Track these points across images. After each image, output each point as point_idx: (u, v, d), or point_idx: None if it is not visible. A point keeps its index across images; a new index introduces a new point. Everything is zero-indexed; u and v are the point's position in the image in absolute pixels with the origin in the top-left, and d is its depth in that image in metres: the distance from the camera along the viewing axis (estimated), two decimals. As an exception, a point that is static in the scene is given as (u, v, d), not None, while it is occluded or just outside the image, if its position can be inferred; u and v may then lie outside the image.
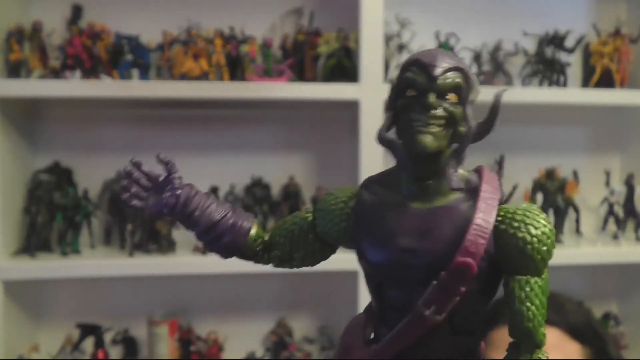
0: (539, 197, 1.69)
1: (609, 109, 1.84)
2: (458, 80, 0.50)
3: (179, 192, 0.55)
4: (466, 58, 1.69)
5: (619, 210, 1.68)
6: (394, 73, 0.49)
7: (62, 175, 1.59)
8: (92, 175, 1.63)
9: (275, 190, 1.68)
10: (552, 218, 1.69)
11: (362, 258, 0.54)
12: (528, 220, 0.49)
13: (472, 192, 0.50)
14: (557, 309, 1.08)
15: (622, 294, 1.89)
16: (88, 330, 1.58)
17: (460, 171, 0.52)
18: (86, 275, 1.48)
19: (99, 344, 1.58)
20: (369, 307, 0.55)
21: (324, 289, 1.74)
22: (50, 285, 1.65)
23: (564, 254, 1.60)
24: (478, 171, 0.53)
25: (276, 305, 1.74)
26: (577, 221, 1.74)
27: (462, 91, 0.50)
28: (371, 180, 0.55)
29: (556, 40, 1.70)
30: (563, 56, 1.70)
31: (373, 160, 1.49)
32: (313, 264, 0.59)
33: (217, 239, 0.56)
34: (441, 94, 0.49)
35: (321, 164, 1.76)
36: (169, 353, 1.58)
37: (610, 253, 1.63)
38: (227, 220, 0.55)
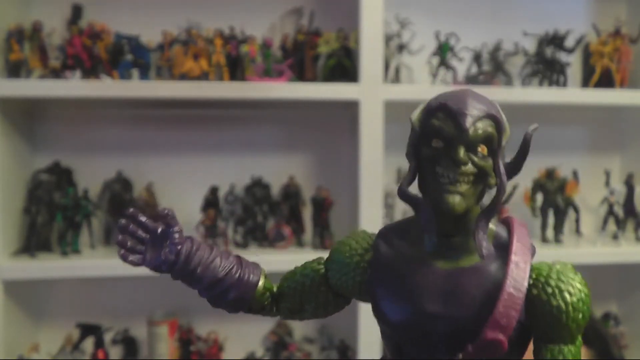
0: (539, 197, 1.69)
1: (608, 109, 1.84)
2: (490, 130, 0.45)
3: (179, 247, 0.51)
4: (466, 58, 1.69)
5: (619, 210, 1.68)
6: (414, 113, 0.46)
7: (62, 175, 1.59)
8: (92, 175, 1.63)
9: (275, 190, 1.68)
10: (552, 218, 1.69)
11: (379, 317, 0.50)
12: (563, 286, 0.45)
13: (501, 249, 0.46)
14: None
15: (622, 294, 1.89)
16: (88, 330, 1.58)
17: (489, 225, 0.47)
18: (86, 275, 1.48)
19: (99, 344, 1.58)
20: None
21: (324, 289, 1.74)
22: (50, 285, 1.65)
23: (564, 254, 1.60)
24: (506, 223, 0.48)
25: (276, 305, 1.74)
26: (577, 221, 1.74)
27: (494, 142, 0.45)
28: (389, 229, 0.51)
29: (556, 40, 1.70)
30: (563, 56, 1.70)
31: (373, 160, 1.49)
32: (325, 316, 0.56)
33: (222, 295, 0.52)
34: (471, 147, 0.44)
35: (321, 164, 1.76)
36: (169, 353, 1.58)
37: (610, 253, 1.63)
38: (232, 275, 0.52)
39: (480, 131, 0.45)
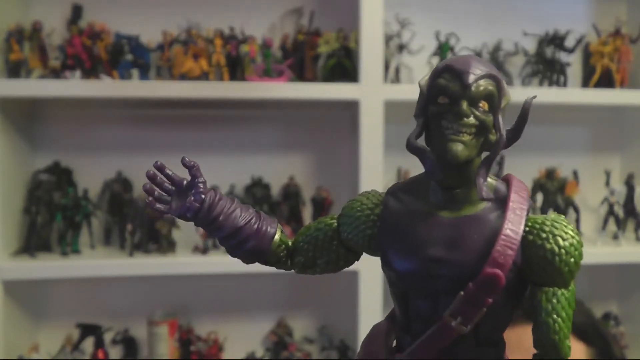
0: (539, 197, 1.69)
1: (609, 109, 1.84)
2: (490, 87, 0.49)
3: (203, 196, 0.54)
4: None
5: (619, 211, 1.68)
6: (423, 78, 0.47)
7: (62, 175, 1.59)
8: (92, 175, 1.63)
9: (275, 190, 1.68)
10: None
11: (387, 266, 0.52)
12: (556, 232, 0.48)
13: (501, 201, 0.50)
14: None
15: (622, 294, 1.89)
16: (88, 330, 1.57)
17: (489, 180, 0.51)
18: (86, 275, 1.48)
19: (99, 344, 1.58)
20: (391, 315, 0.54)
21: (324, 289, 1.74)
22: (50, 285, 1.65)
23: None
24: (506, 180, 0.52)
25: (276, 305, 1.74)
26: (577, 221, 1.74)
27: (494, 99, 0.49)
28: (398, 187, 0.54)
29: (556, 40, 1.70)
30: (563, 56, 1.70)
31: (373, 160, 1.49)
32: (336, 271, 0.58)
33: (240, 244, 0.55)
34: (473, 102, 0.48)
35: (321, 164, 1.76)
36: (169, 353, 1.58)
37: (610, 253, 1.63)
38: (251, 226, 0.54)
39: (482, 88, 0.49)
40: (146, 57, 1.53)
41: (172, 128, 1.69)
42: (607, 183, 1.72)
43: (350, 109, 1.58)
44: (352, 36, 1.57)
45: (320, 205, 1.61)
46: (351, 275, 1.49)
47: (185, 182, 0.55)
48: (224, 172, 1.68)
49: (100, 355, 1.57)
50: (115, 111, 1.67)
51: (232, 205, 0.55)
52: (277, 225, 0.56)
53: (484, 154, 0.50)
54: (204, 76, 1.50)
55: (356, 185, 1.52)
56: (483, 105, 0.49)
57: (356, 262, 0.57)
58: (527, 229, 0.49)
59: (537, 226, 0.49)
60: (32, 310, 1.63)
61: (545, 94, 1.61)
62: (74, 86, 1.43)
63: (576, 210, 1.72)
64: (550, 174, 1.68)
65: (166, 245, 1.52)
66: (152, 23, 1.61)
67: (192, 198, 0.54)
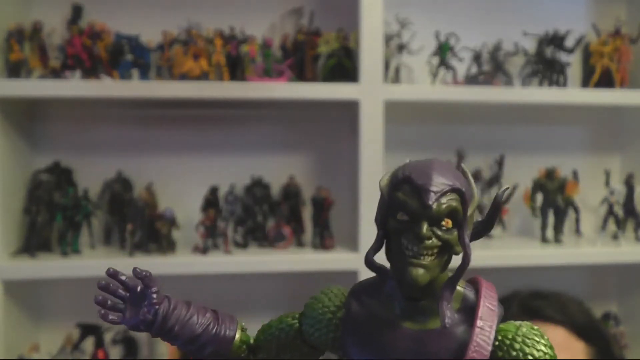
0: (539, 197, 1.69)
1: (608, 109, 1.84)
2: (454, 204, 0.46)
3: (157, 307, 0.52)
4: (466, 58, 1.69)
5: (619, 211, 1.68)
6: (383, 179, 0.49)
7: (62, 175, 1.59)
8: (92, 175, 1.63)
9: (275, 190, 1.68)
10: (552, 218, 1.69)
11: None
12: (527, 350, 0.46)
13: (469, 311, 0.47)
14: (561, 309, 1.08)
15: (622, 294, 1.89)
16: (88, 330, 1.57)
17: (457, 288, 0.49)
18: (86, 275, 1.47)
19: (99, 343, 1.58)
20: None
21: (324, 289, 1.74)
22: (50, 285, 1.65)
23: (564, 254, 1.60)
24: (474, 283, 0.50)
25: (276, 305, 1.74)
26: (577, 221, 1.74)
27: (459, 215, 0.46)
28: (361, 288, 0.52)
29: (556, 40, 1.70)
30: (563, 56, 1.70)
31: (373, 160, 1.49)
32: None
33: (199, 350, 0.54)
34: (435, 222, 0.45)
35: (321, 164, 1.76)
36: (169, 353, 1.58)
37: (610, 253, 1.63)
38: (209, 332, 0.54)
39: (444, 206, 0.45)
40: (146, 57, 1.53)
41: (172, 128, 1.69)
42: (607, 183, 1.72)
43: (350, 109, 1.58)
44: (352, 36, 1.57)
45: (320, 205, 1.61)
46: (351, 275, 1.49)
47: (139, 287, 0.53)
48: (224, 172, 1.68)
49: (101, 355, 1.57)
50: (115, 111, 1.67)
51: (188, 312, 0.54)
52: (238, 325, 0.56)
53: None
54: (204, 76, 1.50)
55: (356, 185, 1.52)
56: (446, 223, 0.46)
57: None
58: (496, 343, 0.47)
59: (507, 342, 0.47)
60: (32, 310, 1.63)
61: (545, 94, 1.62)
62: (74, 86, 1.44)
63: (576, 210, 1.72)
64: (550, 174, 1.68)
65: (166, 245, 1.52)
66: (152, 23, 1.61)
67: (145, 309, 0.52)
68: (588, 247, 1.65)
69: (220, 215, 1.58)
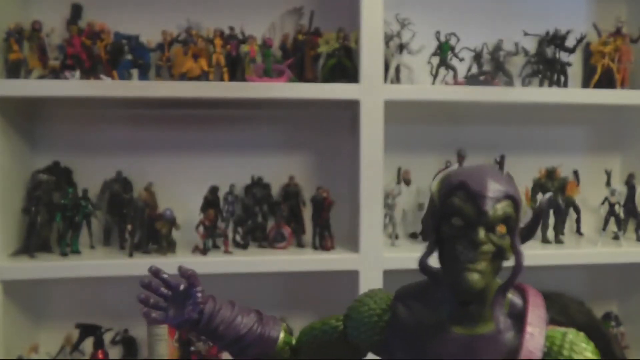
0: (540, 197, 1.68)
1: (609, 108, 1.84)
2: (508, 210, 0.47)
3: (202, 306, 0.53)
4: (466, 58, 1.69)
5: (620, 211, 1.68)
6: (434, 184, 0.51)
7: (61, 175, 1.59)
8: (92, 175, 1.63)
9: (275, 190, 1.68)
10: (552, 218, 1.68)
11: None
12: (575, 356, 0.47)
13: (517, 317, 0.48)
14: (563, 309, 1.08)
15: (623, 294, 1.88)
16: (88, 330, 1.57)
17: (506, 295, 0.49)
18: (86, 276, 1.47)
19: (99, 344, 1.57)
20: None
21: (324, 289, 1.73)
22: (50, 286, 1.65)
23: (565, 255, 1.60)
24: (521, 290, 0.50)
25: (276, 305, 1.74)
26: (578, 221, 1.74)
27: (512, 221, 0.47)
28: (406, 292, 0.53)
29: (557, 40, 1.70)
30: (563, 56, 1.70)
31: (373, 160, 1.49)
32: None
33: (243, 350, 0.55)
34: (490, 227, 0.46)
35: (321, 164, 1.75)
36: (168, 354, 1.57)
37: (610, 253, 1.63)
38: (254, 332, 0.55)
39: (499, 212, 0.46)
40: (146, 57, 1.53)
41: (172, 128, 1.69)
42: (608, 183, 1.72)
43: (351, 108, 1.58)
44: (352, 36, 1.57)
45: (320, 205, 1.60)
46: (351, 275, 1.48)
47: (182, 286, 0.54)
48: (224, 172, 1.67)
49: (100, 355, 1.57)
50: (115, 111, 1.67)
51: (233, 312, 0.55)
52: (282, 326, 0.57)
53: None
54: (204, 76, 1.50)
55: (356, 185, 1.52)
56: (501, 229, 0.47)
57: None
58: (545, 349, 0.48)
59: (555, 349, 0.47)
60: (31, 310, 1.62)
61: (546, 94, 1.61)
62: (74, 86, 1.43)
63: (577, 211, 1.71)
64: (550, 174, 1.68)
65: (166, 246, 1.51)
66: (152, 23, 1.61)
67: (191, 308, 0.53)
68: (589, 248, 1.64)
69: (220, 215, 1.57)
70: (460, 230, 0.46)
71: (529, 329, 0.46)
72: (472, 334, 0.48)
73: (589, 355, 0.47)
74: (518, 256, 0.47)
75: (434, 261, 0.52)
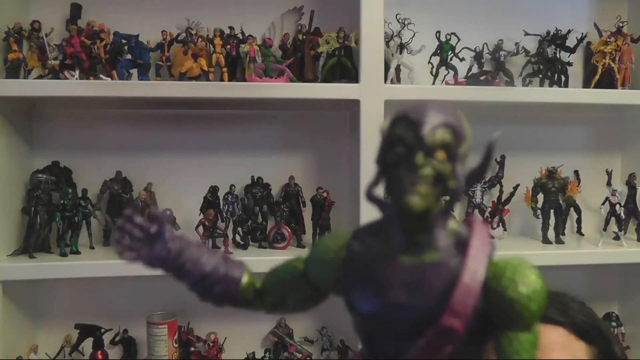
0: (540, 197, 1.68)
1: (610, 108, 1.83)
2: (447, 137, 0.49)
3: (169, 244, 0.56)
4: (467, 58, 1.69)
5: (620, 211, 1.67)
6: (384, 123, 0.53)
7: (61, 175, 1.58)
8: (92, 175, 1.62)
9: (275, 190, 1.67)
10: (553, 218, 1.68)
11: (351, 309, 0.54)
12: (517, 278, 0.48)
13: (462, 246, 0.50)
14: (563, 309, 1.07)
15: (624, 294, 1.88)
16: (87, 331, 1.57)
17: (451, 224, 0.51)
18: (85, 276, 1.47)
19: (98, 344, 1.57)
20: (360, 353, 0.55)
21: (324, 290, 1.73)
22: (49, 286, 1.64)
23: (565, 255, 1.60)
24: (469, 223, 0.52)
25: (276, 306, 1.74)
26: (579, 221, 1.74)
27: (451, 148, 0.49)
28: (363, 230, 0.55)
29: (557, 39, 1.70)
30: (564, 56, 1.70)
31: (373, 160, 1.49)
32: (305, 310, 0.60)
33: (209, 289, 0.57)
34: (429, 152, 0.48)
35: (321, 164, 1.75)
36: (168, 354, 1.57)
37: (611, 254, 1.62)
38: (218, 271, 0.56)
39: (438, 137, 0.48)
40: (145, 57, 1.52)
41: (171, 128, 1.69)
42: (609, 183, 1.72)
43: (351, 108, 1.58)
44: (352, 36, 1.57)
45: (320, 206, 1.60)
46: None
47: (153, 230, 0.57)
48: (224, 172, 1.67)
49: (100, 356, 1.56)
50: (115, 111, 1.66)
51: (199, 252, 0.57)
52: (245, 268, 0.58)
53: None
54: (203, 76, 1.49)
55: (356, 185, 1.51)
56: (440, 154, 0.48)
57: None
58: (490, 274, 0.49)
59: (498, 273, 0.49)
60: (31, 311, 1.62)
61: (546, 94, 1.61)
62: (73, 86, 1.43)
63: (577, 211, 1.71)
64: (551, 174, 1.68)
65: (166, 246, 1.51)
66: (152, 23, 1.60)
67: (160, 246, 0.56)
68: (589, 248, 1.64)
69: (220, 215, 1.57)
70: (402, 157, 0.49)
71: (471, 251, 0.49)
72: (419, 262, 0.50)
73: (531, 276, 0.49)
74: (458, 181, 0.49)
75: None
